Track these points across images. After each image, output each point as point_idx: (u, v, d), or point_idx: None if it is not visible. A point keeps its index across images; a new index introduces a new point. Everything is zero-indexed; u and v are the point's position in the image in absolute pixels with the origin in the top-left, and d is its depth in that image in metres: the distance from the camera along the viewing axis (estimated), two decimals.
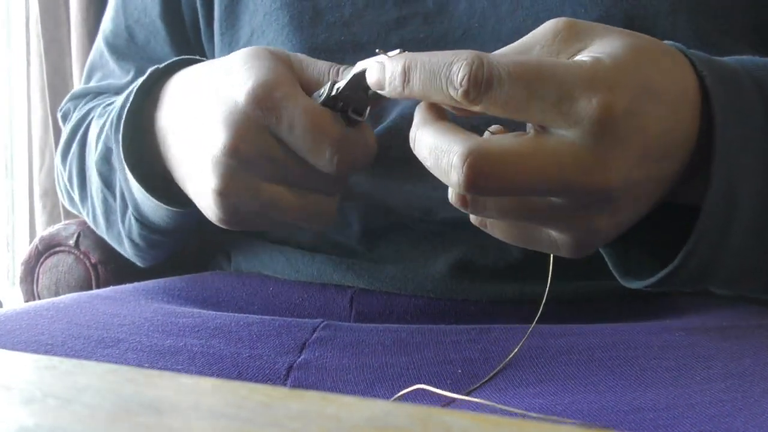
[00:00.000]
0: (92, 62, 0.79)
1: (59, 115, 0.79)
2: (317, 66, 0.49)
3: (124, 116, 0.56)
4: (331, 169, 0.46)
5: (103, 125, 0.63)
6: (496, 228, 0.44)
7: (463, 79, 0.37)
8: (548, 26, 0.40)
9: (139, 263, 0.70)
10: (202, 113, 0.49)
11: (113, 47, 0.75)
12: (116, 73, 0.75)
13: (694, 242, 0.41)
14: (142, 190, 0.56)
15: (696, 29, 0.54)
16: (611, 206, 0.39)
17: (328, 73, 0.49)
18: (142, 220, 0.61)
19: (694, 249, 0.41)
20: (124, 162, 0.56)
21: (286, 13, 0.61)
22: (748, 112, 0.41)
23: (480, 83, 0.37)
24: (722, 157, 0.40)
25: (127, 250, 0.68)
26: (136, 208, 0.60)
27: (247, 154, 0.47)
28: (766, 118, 0.42)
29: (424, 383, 0.47)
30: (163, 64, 0.57)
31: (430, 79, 0.39)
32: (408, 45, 0.59)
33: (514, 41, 0.41)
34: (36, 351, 0.49)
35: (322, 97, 0.47)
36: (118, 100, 0.62)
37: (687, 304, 0.55)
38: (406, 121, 0.57)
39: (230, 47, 0.66)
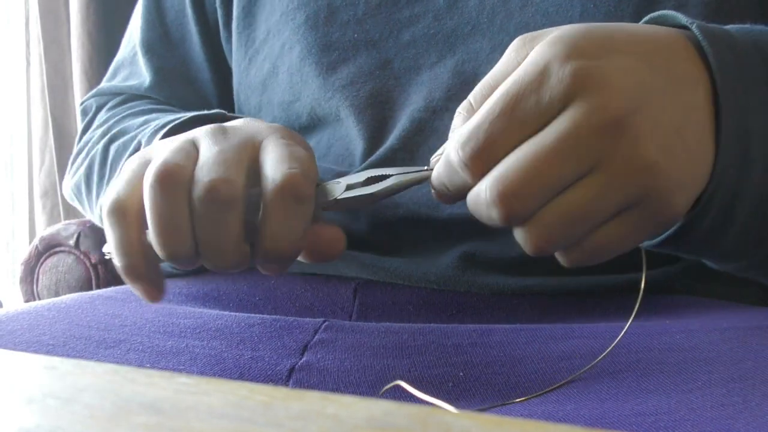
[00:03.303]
0: (121, 59, 0.80)
1: (79, 108, 0.80)
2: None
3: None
4: (269, 186, 0.42)
5: (133, 142, 0.63)
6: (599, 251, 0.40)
7: (463, 160, 0.38)
8: (509, 47, 0.41)
9: None
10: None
11: (144, 42, 0.76)
12: (141, 72, 0.76)
13: (718, 176, 0.40)
14: None
15: None
16: (634, 131, 0.37)
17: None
18: None
19: (719, 183, 0.41)
20: None
21: (303, 12, 0.63)
22: (744, 53, 0.42)
23: (477, 153, 0.38)
24: (726, 90, 0.40)
25: None
26: None
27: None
28: (763, 66, 0.42)
29: (425, 388, 0.47)
30: (205, 112, 0.57)
31: (447, 170, 0.41)
32: (419, 42, 0.60)
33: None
34: (37, 351, 0.49)
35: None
36: (159, 122, 0.61)
37: (686, 303, 0.55)
38: (414, 126, 0.58)
39: (245, 46, 0.67)
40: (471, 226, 0.56)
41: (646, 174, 0.37)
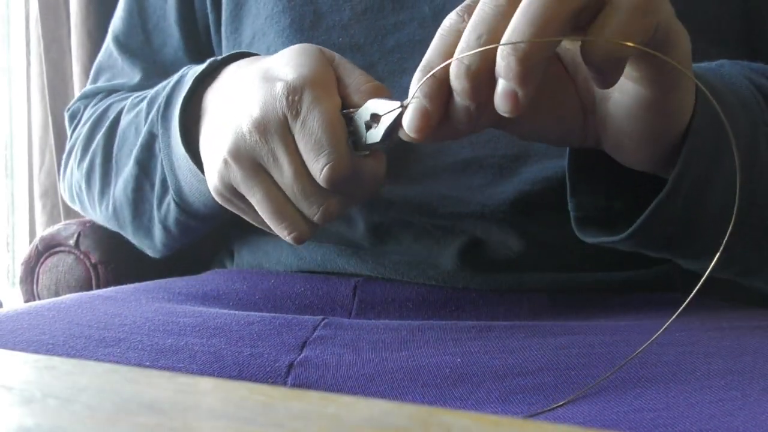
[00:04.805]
0: (100, 63, 0.80)
1: (67, 114, 0.80)
2: (353, 73, 0.49)
3: (181, 101, 0.56)
4: (321, 179, 0.46)
5: (146, 114, 0.64)
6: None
7: None
8: None
9: (157, 254, 0.70)
10: (242, 91, 0.50)
11: (125, 47, 0.76)
12: (126, 72, 0.76)
13: (686, 156, 0.43)
14: (194, 170, 0.56)
15: None
16: None
17: (358, 82, 0.49)
18: (183, 206, 0.61)
19: (686, 168, 0.44)
20: (180, 142, 0.56)
21: (288, 16, 0.62)
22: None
23: None
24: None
25: (155, 239, 0.68)
26: (178, 193, 0.60)
27: (268, 135, 0.47)
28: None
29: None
30: (221, 57, 0.57)
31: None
32: (404, 48, 0.60)
33: None
34: (37, 351, 0.49)
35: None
36: (163, 88, 0.62)
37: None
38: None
39: (233, 50, 0.67)
40: (465, 224, 0.56)
41: None
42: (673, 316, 0.43)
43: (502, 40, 0.38)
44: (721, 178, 0.46)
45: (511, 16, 0.38)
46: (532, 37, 0.37)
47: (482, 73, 0.39)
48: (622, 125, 0.44)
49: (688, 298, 0.42)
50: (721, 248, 0.42)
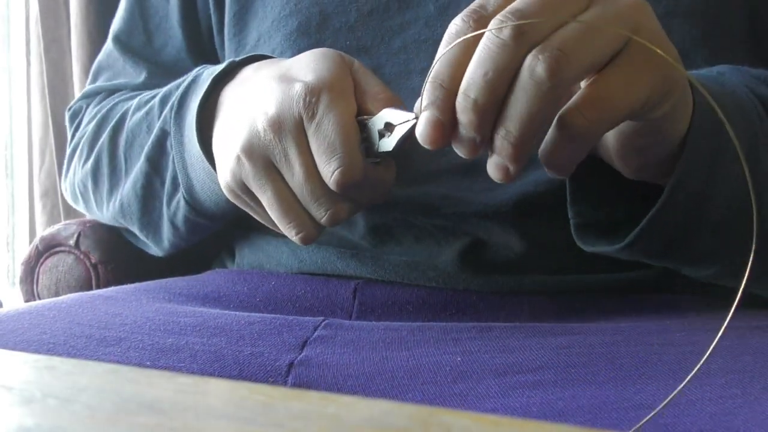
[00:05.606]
0: (100, 62, 0.80)
1: (67, 114, 0.79)
2: (371, 81, 0.49)
3: (198, 100, 0.56)
4: (331, 182, 0.46)
5: (159, 112, 0.64)
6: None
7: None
8: None
9: (162, 252, 0.70)
10: (259, 89, 0.50)
11: (127, 47, 0.75)
12: (128, 72, 0.75)
13: (685, 165, 0.44)
14: (208, 169, 0.56)
15: (690, 33, 0.54)
16: None
17: (375, 90, 0.49)
18: (193, 204, 0.61)
19: (686, 172, 0.44)
20: (195, 141, 0.56)
21: (295, 19, 0.63)
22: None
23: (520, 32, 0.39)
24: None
25: (162, 236, 0.68)
26: (189, 191, 0.60)
27: (282, 134, 0.47)
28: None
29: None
30: (239, 58, 0.57)
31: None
32: (410, 48, 0.60)
33: None
34: (38, 350, 0.49)
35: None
36: (176, 87, 0.62)
37: (688, 303, 0.55)
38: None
39: (236, 52, 0.67)
40: (467, 225, 0.56)
41: (635, 8, 0.41)
42: (726, 322, 0.43)
43: (502, 128, 0.40)
44: (719, 188, 0.46)
45: (516, 53, 0.38)
46: (523, 121, 0.39)
47: (489, 108, 0.40)
48: (610, 140, 0.45)
49: (734, 304, 0.42)
50: (749, 267, 0.41)
